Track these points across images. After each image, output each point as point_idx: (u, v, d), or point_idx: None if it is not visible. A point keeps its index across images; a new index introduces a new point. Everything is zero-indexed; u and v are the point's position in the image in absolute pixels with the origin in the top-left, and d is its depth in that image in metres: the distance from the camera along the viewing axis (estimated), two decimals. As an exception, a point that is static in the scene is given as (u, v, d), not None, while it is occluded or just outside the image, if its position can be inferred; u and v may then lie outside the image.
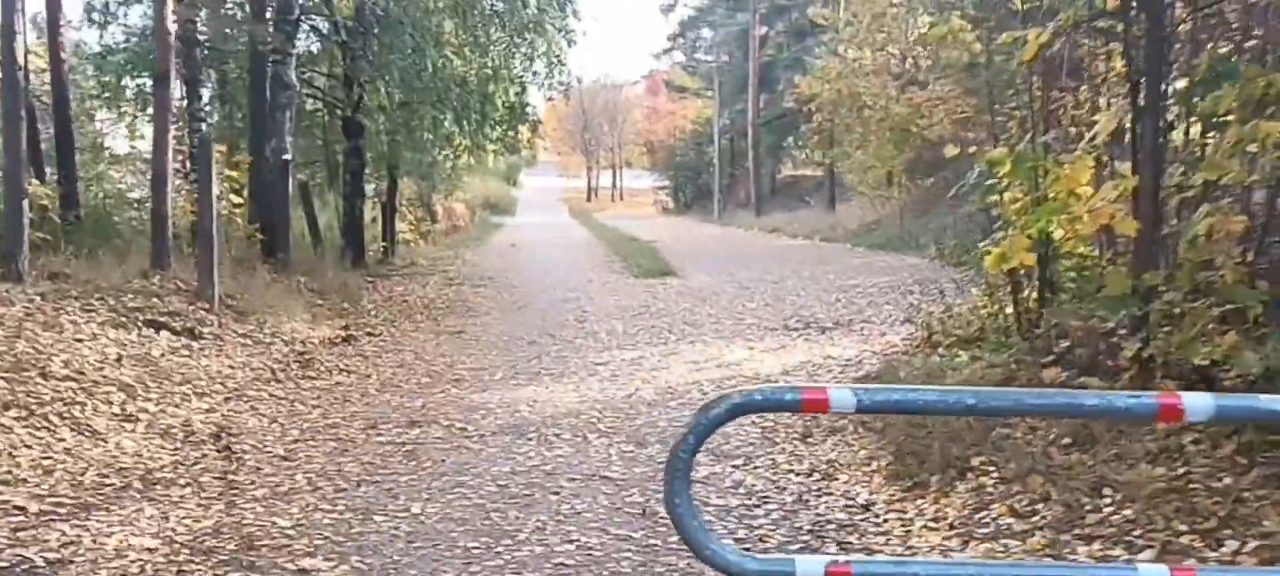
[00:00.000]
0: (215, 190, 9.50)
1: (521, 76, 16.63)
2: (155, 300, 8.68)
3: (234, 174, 12.05)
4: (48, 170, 12.68)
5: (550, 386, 7.86)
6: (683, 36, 52.57)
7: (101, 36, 14.98)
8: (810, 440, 6.09)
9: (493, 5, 15.85)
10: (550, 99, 19.24)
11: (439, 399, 7.38)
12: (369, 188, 19.56)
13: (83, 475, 4.86)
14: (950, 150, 8.92)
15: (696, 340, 10.05)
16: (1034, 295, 7.50)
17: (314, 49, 17.52)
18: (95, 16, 14.72)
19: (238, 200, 11.94)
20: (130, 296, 8.51)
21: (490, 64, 15.39)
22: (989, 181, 6.63)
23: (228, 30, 13.97)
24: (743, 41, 43.92)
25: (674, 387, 7.74)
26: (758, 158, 41.48)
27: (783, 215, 35.80)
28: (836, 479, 5.32)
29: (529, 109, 17.42)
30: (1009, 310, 8.09)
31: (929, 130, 25.21)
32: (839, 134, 29.54)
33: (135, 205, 13.75)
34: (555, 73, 16.82)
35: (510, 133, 17.10)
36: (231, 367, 7.84)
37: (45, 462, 4.90)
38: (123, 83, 14.56)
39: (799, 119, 38.21)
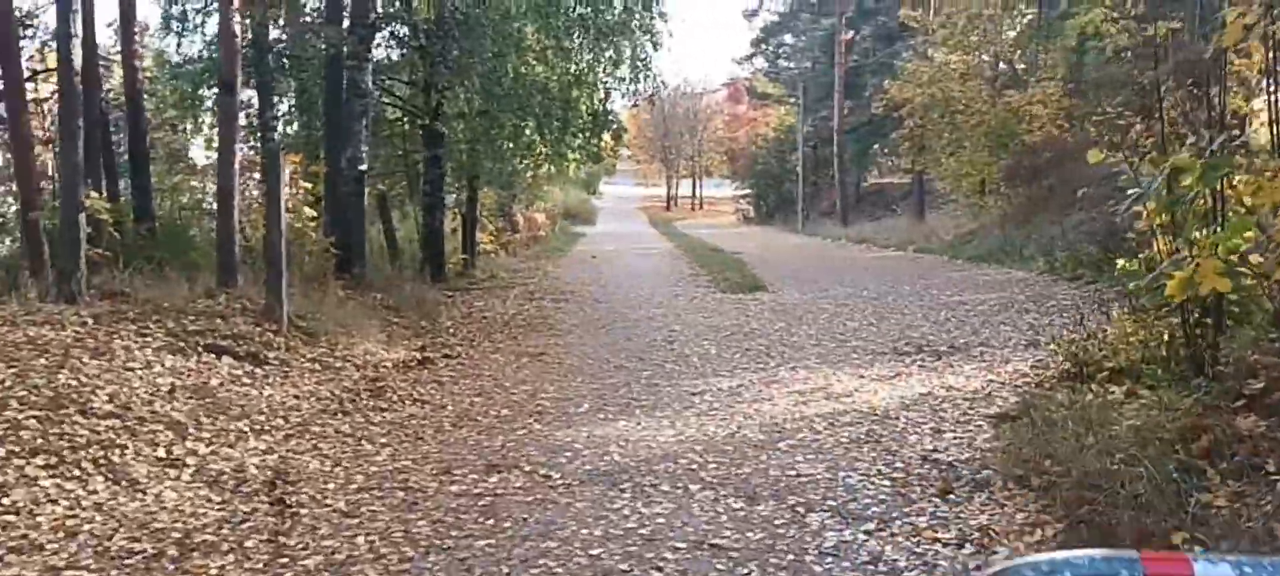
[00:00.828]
0: (284, 203, 8.93)
1: (606, 82, 15.91)
2: (219, 322, 8.11)
3: (308, 186, 11.53)
4: (122, 181, 12.35)
5: (642, 421, 7.05)
6: (766, 42, 51.51)
7: (179, 44, 14.69)
8: (952, 497, 5.18)
9: (577, 8, 15.15)
10: (634, 106, 18.44)
11: (520, 436, 6.62)
12: (449, 198, 19.08)
13: (111, 538, 4.19)
14: (1094, 155, 7.91)
15: (798, 365, 9.16)
16: (1200, 322, 6.48)
17: (393, 56, 17.08)
18: (174, 25, 14.42)
19: (312, 213, 11.41)
20: (192, 318, 7.95)
21: (573, 69, 14.69)
22: (1163, 192, 5.58)
23: (306, 35, 13.50)
24: (827, 46, 42.76)
25: (781, 425, 6.87)
26: (843, 165, 40.27)
27: (870, 225, 34.62)
28: (996, 552, 4.40)
29: (612, 116, 16.68)
30: (1166, 336, 7.06)
31: (1030, 134, 23.98)
32: (930, 140, 28.27)
33: (213, 216, 13.37)
34: (640, 77, 16.06)
35: (593, 141, 16.38)
36: (296, 398, 7.20)
37: (70, 522, 4.25)
38: (199, 92, 14.22)
39: (887, 125, 36.95)
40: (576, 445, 6.35)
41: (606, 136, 16.87)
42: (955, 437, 6.40)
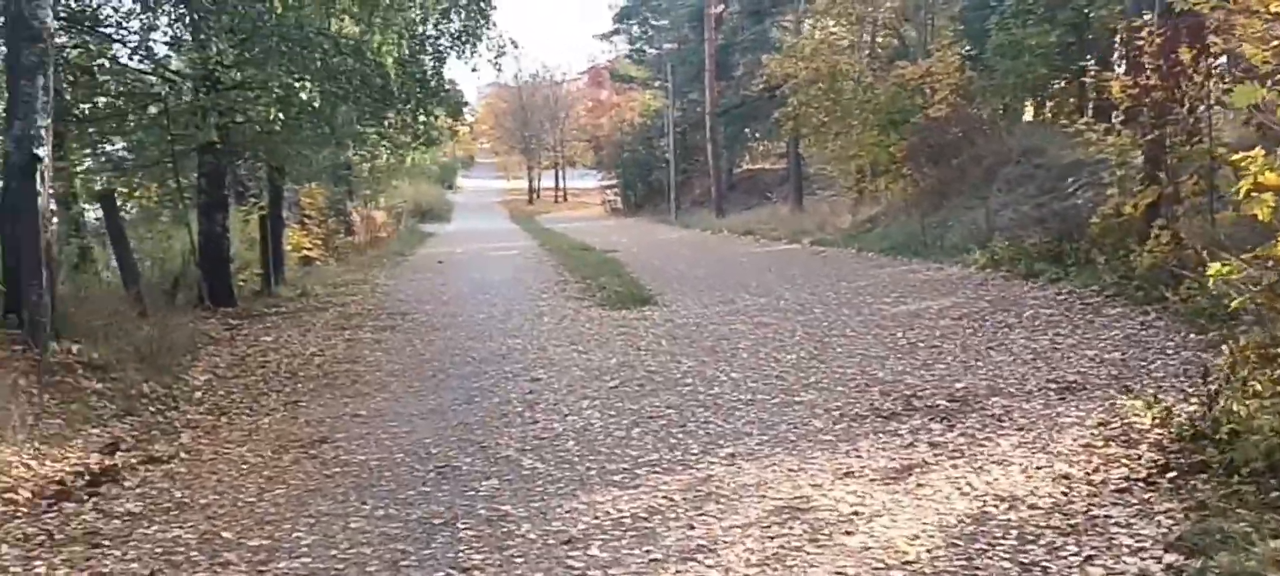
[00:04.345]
0: None
1: (435, 39, 12.02)
2: None
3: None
4: None
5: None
6: (629, 19, 48.17)
7: None
8: None
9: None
10: (475, 70, 14.64)
11: None
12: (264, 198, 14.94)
13: None
14: (1243, 95, 4.71)
15: (736, 449, 5.67)
16: None
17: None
18: None
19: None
20: None
21: (378, 19, 10.65)
22: None
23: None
24: (696, 22, 39.65)
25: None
26: (716, 150, 37.14)
27: (747, 213, 31.70)
28: None
29: (448, 85, 12.81)
30: None
31: (932, 109, 21.16)
32: (813, 119, 25.20)
33: None
34: (480, 32, 12.21)
35: (424, 116, 12.46)
36: None
37: None
38: None
39: (761, 107, 34.01)
40: None
41: (439, 112, 12.99)
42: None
